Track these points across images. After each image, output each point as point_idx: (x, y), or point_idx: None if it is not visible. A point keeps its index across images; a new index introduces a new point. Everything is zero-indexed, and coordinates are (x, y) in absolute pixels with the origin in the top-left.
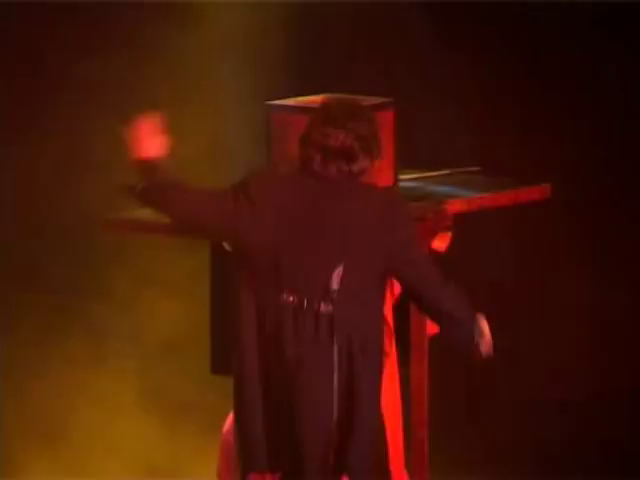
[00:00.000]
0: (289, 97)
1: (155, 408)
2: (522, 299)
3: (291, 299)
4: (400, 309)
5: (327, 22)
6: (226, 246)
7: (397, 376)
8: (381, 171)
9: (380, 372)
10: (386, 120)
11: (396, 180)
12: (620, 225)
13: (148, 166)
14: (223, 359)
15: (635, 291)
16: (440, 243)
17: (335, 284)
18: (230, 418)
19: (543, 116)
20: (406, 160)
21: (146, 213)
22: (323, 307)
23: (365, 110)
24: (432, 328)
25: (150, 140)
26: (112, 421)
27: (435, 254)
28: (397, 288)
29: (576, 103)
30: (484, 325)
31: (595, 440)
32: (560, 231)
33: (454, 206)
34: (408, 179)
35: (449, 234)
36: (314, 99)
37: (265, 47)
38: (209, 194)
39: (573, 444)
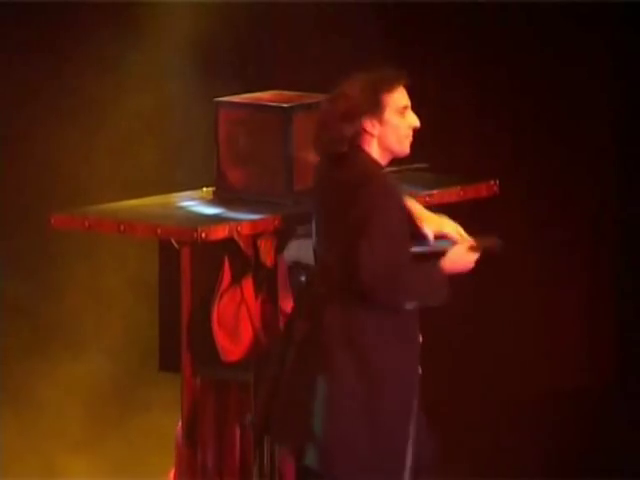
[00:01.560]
0: (237, 94)
1: (104, 405)
2: (469, 296)
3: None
4: None
5: (277, 20)
6: (175, 243)
7: None
8: None
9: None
10: None
11: None
12: (568, 228)
13: None
14: (171, 356)
15: (581, 290)
16: None
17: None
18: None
19: (495, 114)
20: None
21: (94, 209)
22: (321, 288)
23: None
24: None
25: None
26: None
27: None
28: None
29: (528, 101)
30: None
31: (544, 439)
32: (507, 228)
33: None
34: None
35: None
36: (262, 96)
37: (213, 45)
38: None
39: (524, 444)
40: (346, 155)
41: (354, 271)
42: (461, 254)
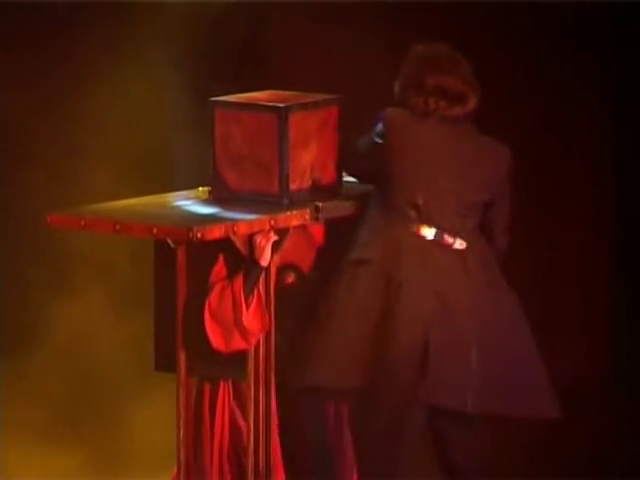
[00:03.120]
0: (233, 93)
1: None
2: None
3: (425, 232)
4: None
5: (272, 19)
6: (171, 243)
7: None
8: (326, 167)
9: None
10: (331, 116)
11: (341, 177)
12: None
13: None
14: (166, 356)
15: (577, 289)
16: None
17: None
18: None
19: (496, 114)
20: None
21: (90, 209)
22: (458, 243)
23: (458, 54)
24: None
25: None
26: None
27: None
28: None
29: (528, 100)
30: None
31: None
32: None
33: None
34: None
35: None
36: (258, 95)
37: (211, 44)
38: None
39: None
40: None
41: None
42: None
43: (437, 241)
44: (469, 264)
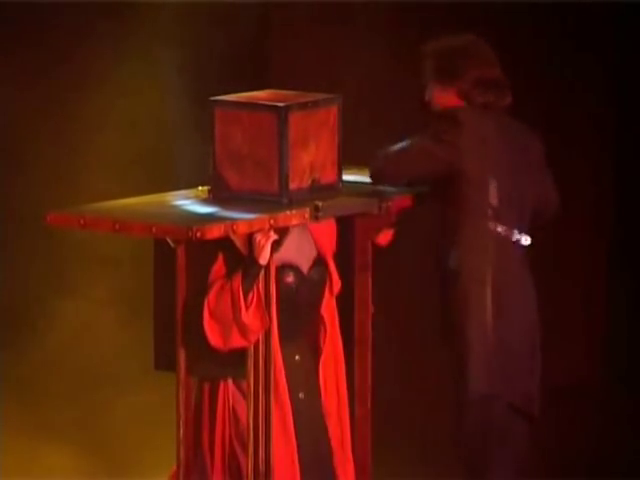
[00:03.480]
0: (232, 93)
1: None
2: None
3: (500, 229)
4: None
5: (274, 19)
6: (170, 242)
7: (343, 372)
8: (325, 167)
9: None
10: (331, 116)
11: (340, 176)
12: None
13: None
14: (166, 355)
15: (577, 289)
16: (383, 238)
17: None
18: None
19: None
20: (350, 157)
21: (90, 208)
22: (524, 239)
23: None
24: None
25: None
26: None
27: (378, 248)
28: (337, 286)
29: (529, 99)
30: None
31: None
32: None
33: (398, 203)
34: (353, 175)
35: (392, 230)
36: (258, 94)
37: (209, 44)
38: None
39: None
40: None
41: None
42: None
43: (510, 237)
44: (527, 260)
